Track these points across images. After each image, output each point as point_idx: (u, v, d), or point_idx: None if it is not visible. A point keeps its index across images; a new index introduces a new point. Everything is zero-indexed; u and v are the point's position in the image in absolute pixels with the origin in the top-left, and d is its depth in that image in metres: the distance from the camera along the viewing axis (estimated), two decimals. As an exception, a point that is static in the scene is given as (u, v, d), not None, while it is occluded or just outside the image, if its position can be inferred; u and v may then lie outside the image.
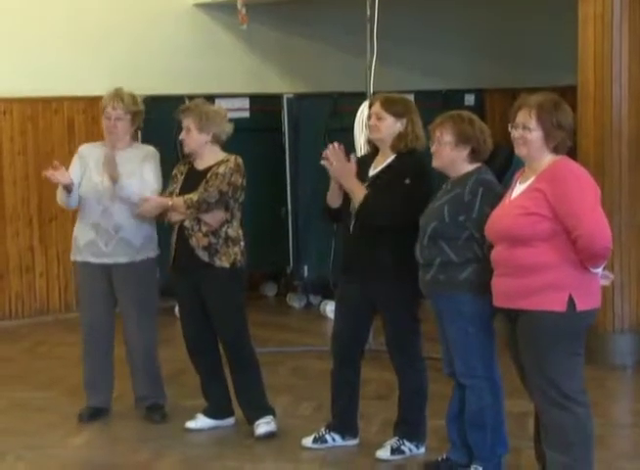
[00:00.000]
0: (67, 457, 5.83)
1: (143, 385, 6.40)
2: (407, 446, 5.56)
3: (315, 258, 9.38)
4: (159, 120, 7.76)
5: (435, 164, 5.14)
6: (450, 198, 4.99)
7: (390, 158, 5.53)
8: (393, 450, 5.56)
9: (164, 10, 9.59)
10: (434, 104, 8.82)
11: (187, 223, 5.87)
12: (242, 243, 5.98)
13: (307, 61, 10.15)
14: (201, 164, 5.98)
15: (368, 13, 7.57)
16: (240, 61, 9.89)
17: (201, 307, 6.01)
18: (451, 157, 5.08)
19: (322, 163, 5.54)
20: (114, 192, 6.13)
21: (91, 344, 6.35)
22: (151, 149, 6.30)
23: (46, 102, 9.14)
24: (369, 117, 5.64)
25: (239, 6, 8.98)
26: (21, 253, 9.23)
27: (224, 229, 5.89)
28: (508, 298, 4.60)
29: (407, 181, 5.39)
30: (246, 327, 6.07)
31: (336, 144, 5.55)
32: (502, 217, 4.64)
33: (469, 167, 5.11)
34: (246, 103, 9.17)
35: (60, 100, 9.16)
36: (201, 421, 6.21)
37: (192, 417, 6.22)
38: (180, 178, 6.04)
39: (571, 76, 7.75)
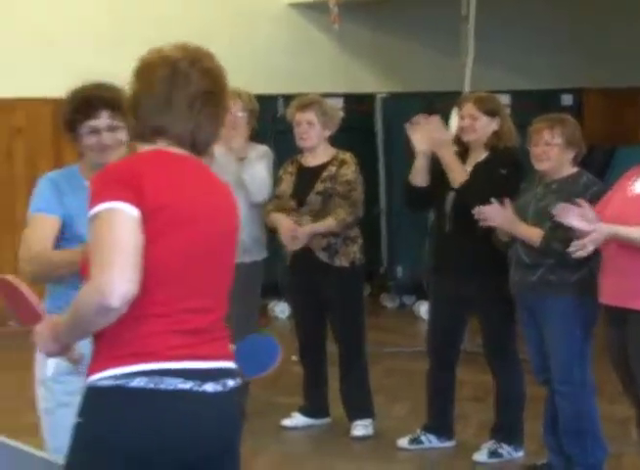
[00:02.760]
0: None
1: None
2: (505, 450, 5.55)
3: (409, 257, 9.37)
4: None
5: (543, 166, 5.09)
6: (562, 198, 4.90)
7: (483, 155, 5.53)
8: (491, 453, 5.56)
9: (260, 10, 9.69)
10: (530, 104, 8.76)
11: (305, 223, 5.92)
12: (360, 240, 6.03)
13: (401, 60, 10.14)
14: (312, 161, 6.02)
15: (464, 12, 7.56)
16: (333, 60, 9.94)
17: (316, 307, 6.06)
18: (560, 159, 5.07)
19: (407, 128, 5.58)
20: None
21: None
22: (265, 148, 6.28)
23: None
24: (461, 118, 5.64)
25: (331, 6, 9.04)
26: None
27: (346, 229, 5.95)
28: (618, 296, 4.52)
29: (503, 172, 5.41)
30: (363, 328, 6.13)
31: (436, 117, 5.60)
32: (626, 213, 4.56)
33: (571, 170, 5.11)
34: (339, 102, 9.19)
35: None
36: (297, 419, 6.26)
37: (287, 415, 6.27)
38: (290, 178, 6.06)
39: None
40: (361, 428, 6.05)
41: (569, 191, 4.97)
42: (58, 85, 8.47)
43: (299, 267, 6.06)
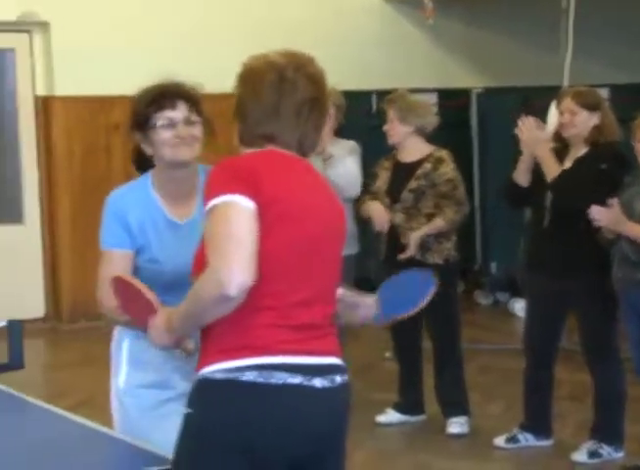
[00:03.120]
0: None
1: None
2: (605, 450, 5.48)
3: (503, 254, 9.30)
4: (346, 115, 7.84)
5: None
6: None
7: (584, 150, 5.47)
8: (591, 454, 5.48)
9: (354, 5, 9.69)
10: (630, 98, 8.62)
11: (398, 220, 5.92)
12: (453, 237, 6.01)
13: (496, 54, 10.08)
14: (406, 157, 6.01)
15: (563, 4, 7.48)
16: (427, 55, 9.92)
17: None
18: None
19: (516, 131, 5.53)
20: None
21: None
22: (352, 143, 6.28)
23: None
24: (560, 113, 5.56)
25: (426, 0, 9.02)
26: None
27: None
28: None
29: (603, 166, 5.34)
30: (457, 325, 6.13)
31: (530, 118, 5.53)
32: None
33: None
34: (433, 98, 9.16)
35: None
36: (391, 415, 6.28)
37: (382, 411, 6.29)
38: (386, 174, 6.07)
39: None
40: (457, 425, 6.04)
41: None
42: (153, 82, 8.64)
43: (393, 264, 6.04)
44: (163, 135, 3.29)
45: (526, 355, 5.76)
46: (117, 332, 3.46)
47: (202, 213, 2.77)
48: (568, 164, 5.46)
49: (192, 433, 2.66)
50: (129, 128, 3.40)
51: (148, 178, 3.41)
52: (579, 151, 5.47)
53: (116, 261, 3.27)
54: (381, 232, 6.02)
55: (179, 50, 8.85)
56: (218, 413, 2.63)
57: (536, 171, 5.54)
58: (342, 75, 8.74)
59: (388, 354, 7.37)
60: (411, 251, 5.88)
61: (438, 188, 5.88)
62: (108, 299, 3.16)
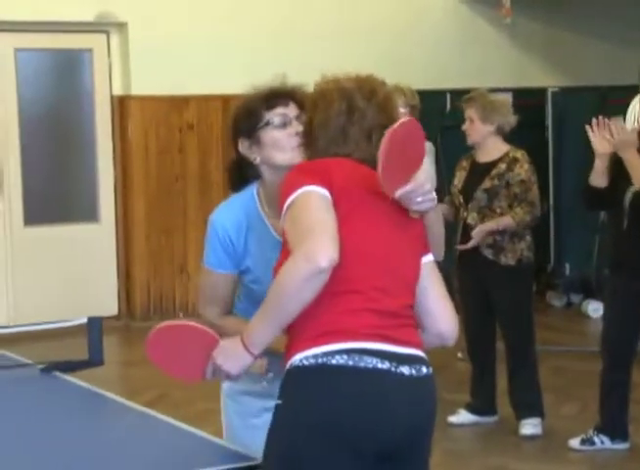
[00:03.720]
0: None
1: None
2: None
3: (577, 255, 9.25)
4: (422, 115, 7.83)
5: None
6: None
7: None
8: None
9: (429, 4, 9.70)
10: None
11: (470, 220, 5.90)
12: (528, 237, 5.99)
13: (573, 53, 10.02)
14: (483, 157, 6.01)
15: None
16: (503, 55, 9.89)
17: (484, 304, 6.04)
18: None
19: (587, 130, 5.49)
20: None
21: None
22: (428, 144, 6.29)
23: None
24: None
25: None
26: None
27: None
28: None
29: None
30: (531, 327, 6.09)
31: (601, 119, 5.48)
32: None
33: None
34: (509, 97, 9.12)
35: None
36: (463, 416, 6.26)
37: (453, 412, 6.28)
38: (463, 174, 6.07)
39: None
40: (530, 427, 6.00)
41: None
42: (228, 83, 8.76)
43: (466, 265, 6.05)
44: (276, 136, 3.14)
45: (603, 357, 5.71)
46: None
47: None
48: None
49: (283, 423, 2.69)
50: (231, 139, 3.26)
51: (253, 192, 3.23)
52: None
53: (217, 281, 3.22)
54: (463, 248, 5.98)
55: (257, 50, 8.92)
56: (309, 398, 2.65)
57: (614, 173, 5.48)
58: (416, 75, 8.86)
59: (460, 355, 7.35)
60: (473, 242, 5.85)
61: (512, 189, 5.87)
62: (207, 312, 3.26)
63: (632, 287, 5.44)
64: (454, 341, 2.90)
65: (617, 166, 5.45)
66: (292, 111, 3.17)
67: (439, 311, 2.88)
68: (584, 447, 5.72)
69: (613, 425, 5.70)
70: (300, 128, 3.06)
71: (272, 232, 3.16)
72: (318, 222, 2.63)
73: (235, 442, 3.15)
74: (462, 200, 6.00)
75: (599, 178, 5.51)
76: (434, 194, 2.81)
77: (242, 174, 3.26)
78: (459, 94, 8.00)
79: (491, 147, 5.97)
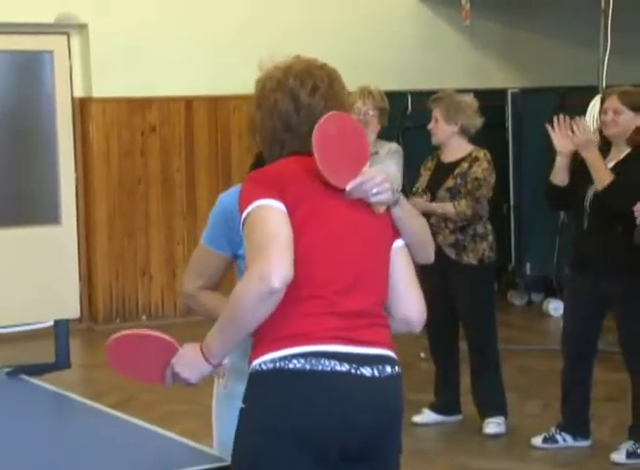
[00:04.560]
0: None
1: None
2: None
3: (538, 254, 9.30)
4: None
5: None
6: None
7: (626, 151, 5.45)
8: (629, 454, 5.49)
9: (390, 6, 9.70)
10: None
11: (433, 220, 5.90)
12: (490, 237, 6.02)
13: (532, 55, 10.06)
14: (448, 157, 6.04)
15: (603, 4, 7.45)
16: (463, 56, 9.92)
17: (447, 304, 6.05)
18: None
19: (550, 131, 5.53)
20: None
21: None
22: (394, 145, 6.32)
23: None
24: (604, 111, 5.55)
25: (463, 1, 9.04)
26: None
27: (472, 226, 5.95)
28: None
29: None
30: (493, 326, 6.11)
31: (562, 117, 5.53)
32: None
33: None
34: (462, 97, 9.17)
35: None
36: (427, 416, 6.27)
37: (418, 411, 6.28)
38: (427, 174, 6.10)
39: None
40: (494, 425, 6.03)
41: None
42: (191, 85, 8.72)
43: (428, 265, 6.02)
44: None
45: (564, 356, 5.75)
46: None
47: None
48: (609, 164, 5.44)
49: (246, 427, 2.68)
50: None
51: None
52: (621, 151, 5.46)
53: (209, 258, 3.18)
54: None
55: (220, 52, 8.91)
56: (269, 403, 2.65)
57: (574, 172, 5.52)
58: (377, 76, 8.85)
59: (423, 355, 7.38)
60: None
61: (467, 186, 5.91)
62: (189, 283, 3.18)
63: (593, 286, 5.48)
64: (421, 327, 2.89)
65: (577, 166, 5.50)
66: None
67: (406, 296, 2.85)
68: (547, 445, 5.76)
69: (574, 423, 5.75)
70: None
71: None
72: (271, 239, 2.62)
73: (223, 443, 3.08)
74: (428, 199, 6.01)
75: (559, 176, 5.55)
76: (389, 185, 2.77)
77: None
78: (420, 95, 8.05)
79: (456, 147, 6.01)
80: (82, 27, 8.79)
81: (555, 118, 5.57)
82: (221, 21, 9.09)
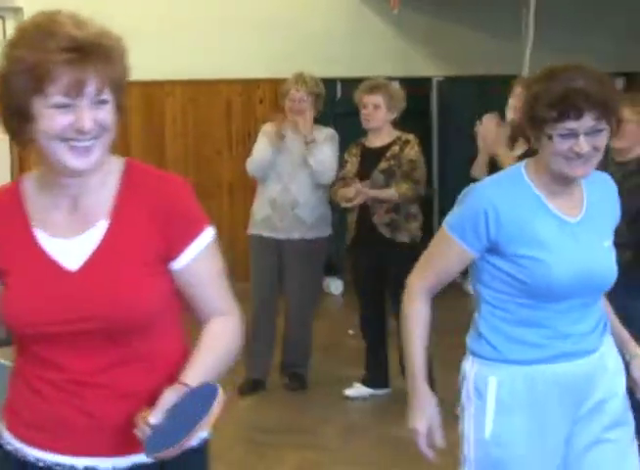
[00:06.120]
0: (239, 418, 6.03)
1: (293, 354, 6.56)
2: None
3: None
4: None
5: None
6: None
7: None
8: None
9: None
10: None
11: (368, 201, 6.01)
12: (420, 218, 6.16)
13: (457, 44, 10.12)
14: (375, 142, 6.12)
15: None
16: (391, 45, 9.94)
17: (377, 282, 6.14)
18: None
19: (475, 129, 5.65)
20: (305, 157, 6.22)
21: (259, 315, 6.37)
22: (331, 131, 6.39)
23: (207, 84, 9.35)
24: (512, 97, 5.66)
25: (390, -8, 9.12)
26: (180, 226, 9.50)
27: (405, 206, 6.05)
28: None
29: None
30: None
31: (490, 117, 5.64)
32: None
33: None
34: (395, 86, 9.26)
35: (218, 82, 9.37)
36: (358, 389, 6.37)
37: (349, 385, 6.37)
38: (355, 160, 6.16)
39: None
40: None
41: None
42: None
43: (363, 243, 6.15)
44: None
45: None
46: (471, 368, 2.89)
47: None
48: (518, 151, 5.50)
49: None
50: None
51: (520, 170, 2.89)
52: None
53: (448, 254, 2.91)
54: (351, 208, 6.10)
55: (142, 44, 8.84)
56: None
57: (491, 166, 5.59)
58: (308, 64, 8.94)
59: (351, 332, 7.45)
60: (354, 200, 5.98)
61: (402, 167, 6.01)
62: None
63: None
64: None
65: (494, 160, 5.61)
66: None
67: None
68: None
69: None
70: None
71: None
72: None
73: None
74: (358, 182, 6.08)
75: (479, 170, 5.65)
76: None
77: None
78: (349, 82, 8.11)
79: (385, 132, 6.10)
80: (17, 11, 8.63)
81: (482, 119, 5.66)
82: (148, 11, 9.05)
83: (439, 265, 2.88)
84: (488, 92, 8.85)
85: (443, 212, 10.02)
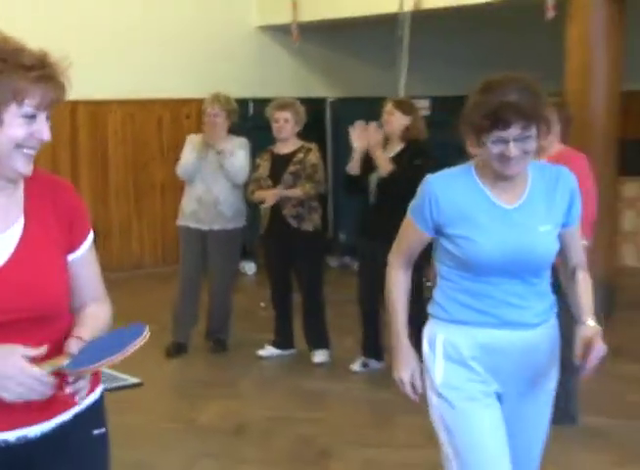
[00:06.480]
0: (170, 375, 6.00)
1: (216, 323, 6.51)
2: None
3: (349, 226, 9.37)
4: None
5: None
6: None
7: (400, 146, 5.65)
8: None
9: (236, 32, 9.67)
10: (448, 107, 8.72)
11: (279, 198, 6.00)
12: (319, 211, 6.15)
13: (346, 71, 10.16)
14: (284, 150, 6.11)
15: (399, 33, 7.66)
16: (293, 71, 9.94)
17: (286, 263, 6.14)
18: None
19: (351, 132, 5.69)
20: (221, 162, 6.17)
21: (185, 290, 6.37)
22: (243, 140, 6.35)
23: (142, 103, 9.27)
24: (382, 115, 5.74)
25: (292, 28, 9.10)
26: (121, 219, 9.38)
27: (309, 201, 6.06)
28: None
29: (418, 162, 5.49)
30: (321, 279, 6.21)
31: (361, 124, 5.67)
32: None
33: None
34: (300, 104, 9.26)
35: (152, 101, 9.30)
36: (269, 350, 6.37)
37: (261, 347, 6.38)
38: (266, 164, 6.13)
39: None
40: (320, 356, 6.18)
41: None
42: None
43: (274, 232, 6.14)
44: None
45: (360, 303, 5.94)
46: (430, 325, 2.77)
47: None
48: (390, 154, 5.61)
49: None
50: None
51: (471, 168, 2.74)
52: (396, 146, 5.65)
53: (411, 236, 2.78)
54: (267, 207, 6.08)
55: (97, 58, 8.75)
56: None
57: (365, 163, 5.66)
58: (226, 86, 8.94)
59: (262, 304, 7.45)
60: (269, 201, 5.98)
61: (306, 171, 6.04)
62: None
63: (380, 249, 5.58)
64: None
65: (367, 159, 5.66)
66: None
67: None
68: (360, 369, 5.95)
69: (374, 350, 5.96)
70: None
71: None
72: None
73: (457, 424, 2.68)
74: (270, 183, 6.10)
75: (355, 167, 5.70)
76: None
77: None
78: (259, 102, 8.12)
79: (292, 142, 6.11)
80: None
81: (356, 123, 5.70)
82: (102, 31, 8.91)
83: (406, 244, 2.77)
84: (370, 110, 8.83)
85: (336, 207, 10.23)
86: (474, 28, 10.29)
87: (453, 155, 5.34)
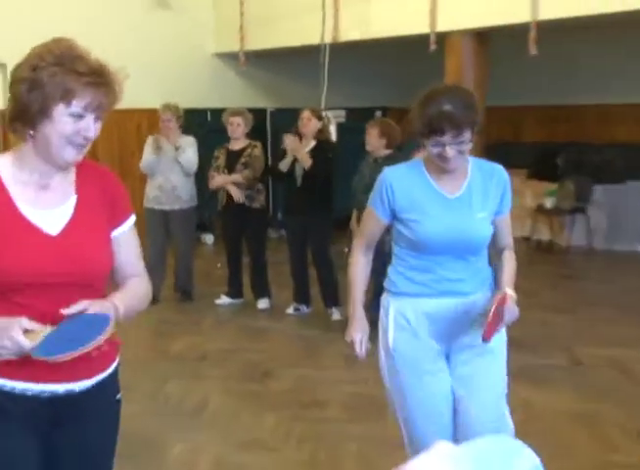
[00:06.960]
0: (146, 318, 5.86)
1: (182, 279, 6.46)
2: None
3: (284, 206, 9.47)
4: (190, 124, 7.78)
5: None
6: None
7: (312, 143, 5.69)
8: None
9: (197, 57, 9.48)
10: (360, 116, 8.75)
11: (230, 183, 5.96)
12: (264, 193, 6.13)
13: (282, 88, 10.04)
14: (236, 146, 6.08)
15: (321, 59, 7.67)
16: (241, 88, 9.80)
17: (238, 232, 6.11)
18: (376, 143, 5.34)
19: (284, 138, 5.71)
20: (175, 158, 6.10)
21: (154, 255, 6.22)
22: (191, 138, 6.29)
23: (123, 112, 9.12)
24: (301, 119, 5.78)
25: (240, 55, 9.02)
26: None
27: (256, 184, 6.04)
28: None
29: (330, 155, 5.60)
30: (265, 244, 6.21)
31: (291, 136, 5.71)
32: None
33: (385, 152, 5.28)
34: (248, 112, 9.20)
35: (132, 110, 9.11)
36: (224, 299, 6.34)
37: (218, 297, 6.34)
38: (222, 157, 6.09)
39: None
40: (263, 303, 6.18)
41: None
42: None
43: (230, 210, 6.10)
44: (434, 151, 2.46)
45: (291, 264, 5.94)
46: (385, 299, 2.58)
47: None
48: (306, 149, 5.63)
49: None
50: None
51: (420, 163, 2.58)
52: (309, 143, 5.70)
53: (373, 224, 2.59)
54: (221, 189, 6.04)
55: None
56: None
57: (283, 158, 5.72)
58: (189, 99, 8.85)
59: (219, 265, 7.37)
60: (236, 195, 5.93)
61: (252, 161, 6.04)
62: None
63: (301, 222, 5.68)
64: None
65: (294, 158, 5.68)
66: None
67: None
68: (293, 313, 5.98)
69: (303, 297, 5.99)
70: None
71: None
72: None
73: (401, 384, 2.52)
74: (227, 172, 6.06)
75: (285, 166, 5.72)
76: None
77: None
78: (216, 111, 8.06)
79: (242, 140, 6.09)
80: (2, 67, 7.66)
81: (288, 134, 5.73)
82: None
83: (367, 230, 2.58)
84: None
85: (275, 191, 10.14)
86: (379, 56, 10.30)
87: (361, 152, 5.55)
